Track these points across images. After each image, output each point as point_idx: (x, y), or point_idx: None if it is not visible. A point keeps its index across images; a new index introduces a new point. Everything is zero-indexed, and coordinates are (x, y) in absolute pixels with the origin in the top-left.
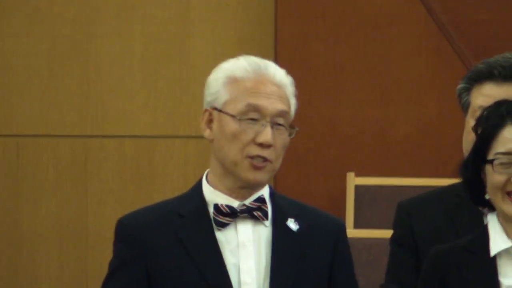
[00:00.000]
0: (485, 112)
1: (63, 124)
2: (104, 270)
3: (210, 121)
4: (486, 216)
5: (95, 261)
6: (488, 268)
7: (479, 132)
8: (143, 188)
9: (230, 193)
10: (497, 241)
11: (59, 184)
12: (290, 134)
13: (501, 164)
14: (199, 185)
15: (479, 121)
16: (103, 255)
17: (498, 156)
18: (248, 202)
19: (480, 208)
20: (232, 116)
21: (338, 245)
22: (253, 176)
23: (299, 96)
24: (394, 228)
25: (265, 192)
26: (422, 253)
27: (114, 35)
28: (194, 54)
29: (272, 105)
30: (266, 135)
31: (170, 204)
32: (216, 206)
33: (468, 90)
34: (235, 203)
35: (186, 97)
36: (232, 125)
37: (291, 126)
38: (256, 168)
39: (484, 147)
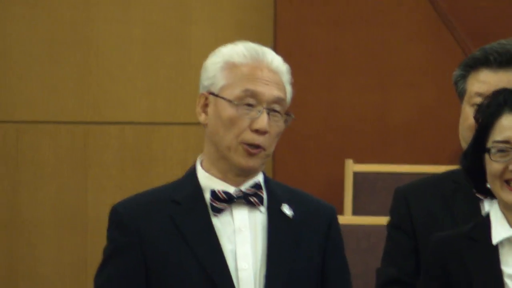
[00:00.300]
0: (485, 101)
1: (63, 110)
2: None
3: (205, 105)
4: (483, 202)
5: (95, 247)
6: (490, 256)
7: (478, 121)
8: (142, 174)
9: (225, 178)
10: (499, 230)
11: (59, 170)
12: (285, 121)
13: (498, 152)
14: (193, 171)
15: (479, 110)
16: (102, 241)
17: (495, 144)
18: (244, 188)
19: (482, 197)
20: (229, 101)
21: (330, 230)
22: (245, 161)
23: (298, 81)
24: (391, 213)
25: (259, 177)
26: (419, 239)
27: (114, 21)
28: (194, 40)
29: (269, 91)
30: (263, 121)
31: (165, 190)
32: (213, 192)
33: (464, 77)
34: (231, 189)
35: (185, 83)
36: (229, 110)
37: (287, 114)
38: (249, 154)
39: (483, 136)
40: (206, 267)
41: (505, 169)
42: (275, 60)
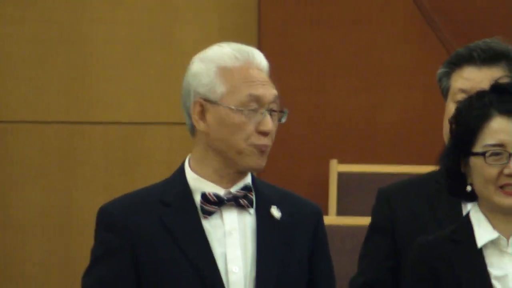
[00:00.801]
0: (463, 104)
1: (50, 110)
2: (87, 255)
3: (201, 112)
4: (465, 203)
5: (81, 247)
6: (476, 259)
7: (459, 123)
8: (128, 174)
9: (217, 180)
10: (483, 232)
11: (45, 170)
12: (282, 118)
13: (492, 155)
14: (181, 172)
15: (457, 113)
16: (89, 241)
17: (488, 148)
18: (234, 190)
19: (459, 200)
20: (235, 108)
21: (317, 231)
22: (257, 162)
23: (282, 81)
24: (372, 214)
25: (248, 179)
26: (400, 240)
27: (101, 21)
28: (180, 40)
29: (268, 92)
30: (268, 123)
31: (153, 190)
32: (203, 195)
33: (448, 74)
34: (221, 191)
35: (171, 83)
36: (236, 117)
37: (281, 110)
38: (262, 153)
39: (468, 139)
40: (198, 269)
41: (500, 173)
42: (263, 59)
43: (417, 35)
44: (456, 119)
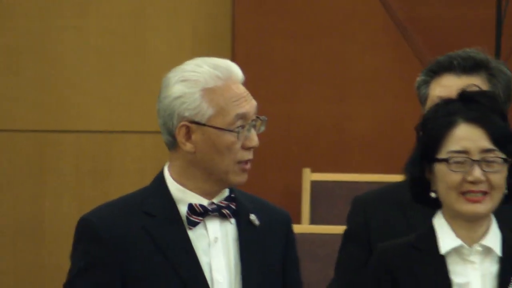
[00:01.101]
0: (430, 112)
1: (20, 119)
2: (60, 265)
3: (187, 133)
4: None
5: (52, 256)
6: (438, 266)
7: (426, 130)
8: (99, 182)
9: (201, 192)
10: (446, 240)
11: (16, 178)
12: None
13: (456, 162)
14: (162, 182)
15: (424, 120)
16: (59, 249)
17: (452, 154)
18: (217, 200)
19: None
20: (224, 129)
21: (288, 236)
22: (241, 179)
23: (255, 91)
24: (348, 221)
25: (227, 189)
26: (375, 247)
27: (71, 29)
28: (151, 48)
29: (252, 106)
30: (254, 138)
31: (134, 200)
32: (190, 206)
33: (427, 82)
34: (205, 202)
35: (142, 91)
36: (226, 138)
37: (258, 117)
38: (245, 171)
39: (433, 146)
40: (186, 280)
41: (463, 180)
42: (239, 70)
43: (389, 44)
44: (423, 126)
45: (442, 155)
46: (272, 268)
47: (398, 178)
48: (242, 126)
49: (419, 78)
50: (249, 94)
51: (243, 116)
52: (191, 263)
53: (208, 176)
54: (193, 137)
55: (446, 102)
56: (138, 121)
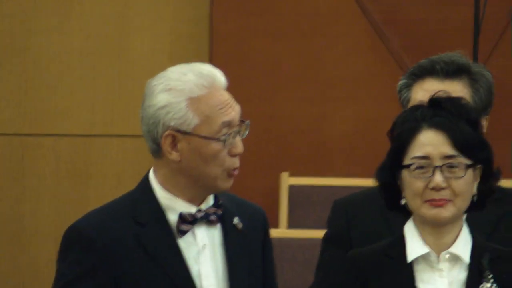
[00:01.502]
0: (399, 117)
1: (0, 121)
2: (39, 266)
3: (173, 142)
4: None
5: (31, 258)
6: (405, 274)
7: (394, 136)
8: (79, 186)
9: (188, 199)
10: (414, 247)
11: None
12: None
13: (418, 168)
14: (148, 189)
15: (392, 125)
16: (39, 251)
17: (414, 160)
18: (204, 207)
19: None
20: (210, 138)
21: (265, 234)
22: (228, 184)
23: (234, 93)
24: (328, 225)
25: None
26: None
27: (53, 31)
28: (132, 51)
29: (236, 112)
30: (240, 145)
31: (123, 207)
32: (181, 215)
33: (409, 85)
34: (194, 209)
35: (123, 95)
36: (212, 146)
37: (242, 121)
38: (232, 176)
39: (400, 152)
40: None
41: (426, 187)
42: (222, 76)
43: (368, 47)
44: (391, 132)
45: (407, 161)
46: (257, 270)
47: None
48: (228, 134)
49: (401, 81)
50: (233, 100)
51: (229, 124)
52: (181, 271)
53: (194, 183)
54: (179, 146)
55: (415, 108)
56: (118, 125)
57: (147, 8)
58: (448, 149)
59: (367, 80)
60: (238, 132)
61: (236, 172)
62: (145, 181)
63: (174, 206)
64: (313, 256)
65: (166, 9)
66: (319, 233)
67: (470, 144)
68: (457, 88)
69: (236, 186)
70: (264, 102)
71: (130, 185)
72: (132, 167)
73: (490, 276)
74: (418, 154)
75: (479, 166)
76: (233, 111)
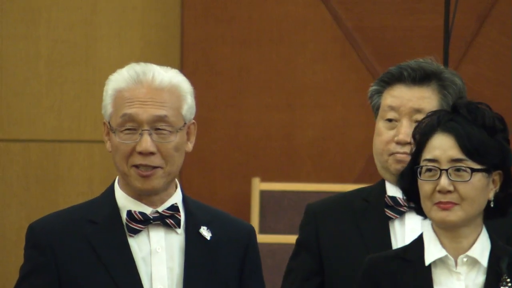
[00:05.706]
0: (421, 122)
1: None
2: (7, 272)
3: (108, 133)
4: (392, 221)
5: (0, 264)
6: (423, 277)
7: (413, 140)
8: (48, 191)
9: (141, 199)
10: (431, 250)
11: None
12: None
13: (427, 171)
14: (111, 190)
15: (416, 129)
16: (7, 257)
17: (424, 163)
18: (161, 209)
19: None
20: (114, 128)
21: (248, 251)
22: (141, 184)
23: (204, 99)
24: (300, 229)
25: (177, 198)
26: (326, 257)
27: (20, 37)
28: (100, 57)
29: (146, 112)
30: (142, 143)
31: (82, 209)
32: (129, 213)
33: (379, 92)
34: (148, 210)
35: (91, 100)
36: (113, 138)
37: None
38: (142, 176)
39: (416, 156)
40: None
41: (434, 190)
42: (158, 78)
43: (338, 53)
44: (413, 136)
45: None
46: (221, 281)
47: (346, 187)
48: (134, 129)
49: (372, 87)
50: (156, 102)
51: (131, 118)
52: (128, 271)
53: (124, 181)
54: (110, 135)
55: (434, 113)
56: (86, 131)
57: (115, 14)
58: (455, 153)
59: (336, 86)
60: (150, 134)
61: (145, 173)
62: (111, 184)
63: (128, 206)
64: (283, 261)
65: (135, 16)
66: (290, 238)
67: (481, 149)
68: (425, 94)
69: (207, 192)
70: (234, 108)
71: (99, 190)
72: (100, 173)
73: (509, 280)
74: (428, 157)
75: (497, 172)
76: (141, 109)
